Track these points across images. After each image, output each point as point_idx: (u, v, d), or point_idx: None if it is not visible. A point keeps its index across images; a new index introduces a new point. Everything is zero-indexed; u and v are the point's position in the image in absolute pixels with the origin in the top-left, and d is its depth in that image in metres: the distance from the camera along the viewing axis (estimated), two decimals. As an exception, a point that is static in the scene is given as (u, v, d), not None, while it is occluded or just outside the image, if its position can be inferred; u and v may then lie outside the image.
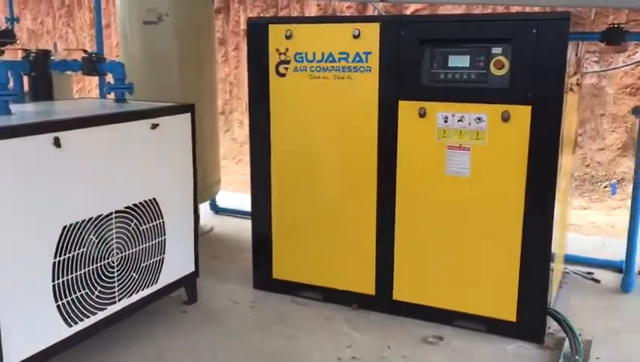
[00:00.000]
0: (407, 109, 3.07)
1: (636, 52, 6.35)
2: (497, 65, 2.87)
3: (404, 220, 3.18)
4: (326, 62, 3.20)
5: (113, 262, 2.81)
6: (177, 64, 4.32)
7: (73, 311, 2.61)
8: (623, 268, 3.72)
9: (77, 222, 2.59)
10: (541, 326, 2.99)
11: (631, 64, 6.35)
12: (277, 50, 3.31)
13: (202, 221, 4.97)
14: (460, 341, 3.04)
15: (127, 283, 2.91)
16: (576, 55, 3.30)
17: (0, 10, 9.69)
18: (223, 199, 5.38)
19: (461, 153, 2.98)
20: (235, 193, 5.87)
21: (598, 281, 3.80)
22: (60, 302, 2.54)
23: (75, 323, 2.63)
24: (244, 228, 3.87)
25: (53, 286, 2.50)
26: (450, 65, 2.98)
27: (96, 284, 2.72)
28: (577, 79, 3.44)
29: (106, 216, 2.75)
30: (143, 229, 2.97)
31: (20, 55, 3.56)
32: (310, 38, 3.24)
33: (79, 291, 2.63)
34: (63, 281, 2.55)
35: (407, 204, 3.15)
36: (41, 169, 2.41)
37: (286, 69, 3.31)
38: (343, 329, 3.19)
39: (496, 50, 2.88)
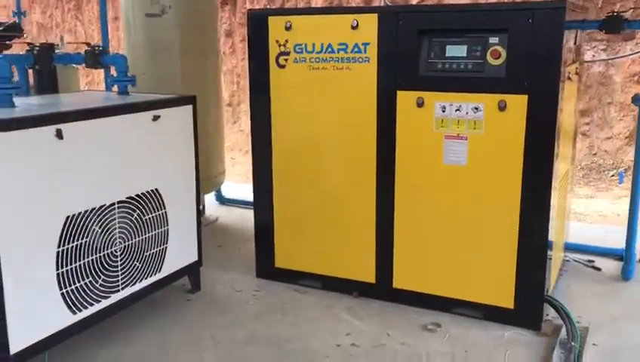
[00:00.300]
0: (405, 99, 3.09)
1: (644, 40, 6.31)
2: (494, 55, 2.89)
3: (403, 209, 3.21)
4: (325, 53, 3.23)
5: (116, 252, 2.87)
6: (180, 56, 4.36)
7: (77, 298, 2.68)
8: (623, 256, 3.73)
9: (80, 213, 2.65)
10: (538, 313, 3.02)
11: (639, 52, 6.30)
12: (277, 41, 3.35)
13: (207, 211, 5.03)
14: (458, 328, 3.08)
15: (131, 271, 2.97)
16: (575, 43, 3.30)
17: (9, 5, 9.78)
18: (229, 190, 5.44)
19: (459, 142, 3.01)
20: (241, 184, 5.93)
21: (598, 269, 3.82)
22: (64, 290, 2.61)
23: (80, 310, 2.69)
24: (248, 218, 3.92)
25: (57, 274, 2.57)
26: (447, 55, 3.00)
27: (99, 273, 2.78)
28: (577, 68, 3.44)
29: (109, 206, 2.80)
30: (145, 219, 3.02)
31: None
32: (309, 29, 3.27)
33: (83, 279, 2.70)
34: (67, 270, 2.61)
35: (406, 192, 3.19)
36: (44, 160, 2.47)
37: (286, 60, 3.35)
38: (343, 316, 3.24)
39: (493, 39, 2.89)
